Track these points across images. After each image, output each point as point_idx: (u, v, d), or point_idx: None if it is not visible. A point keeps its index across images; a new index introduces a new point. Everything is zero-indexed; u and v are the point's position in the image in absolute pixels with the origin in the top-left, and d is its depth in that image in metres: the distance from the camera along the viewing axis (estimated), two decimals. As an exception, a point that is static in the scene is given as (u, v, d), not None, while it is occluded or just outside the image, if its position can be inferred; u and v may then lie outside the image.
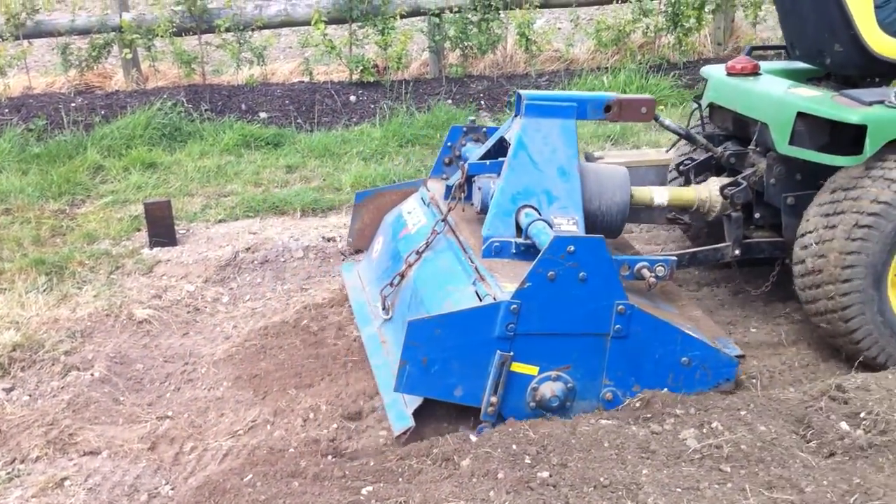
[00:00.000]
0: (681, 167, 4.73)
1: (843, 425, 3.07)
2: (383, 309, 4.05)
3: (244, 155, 7.44)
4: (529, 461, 3.00)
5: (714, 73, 4.73)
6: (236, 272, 5.28)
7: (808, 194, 4.06)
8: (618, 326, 3.32)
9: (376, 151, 7.44)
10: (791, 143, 3.96)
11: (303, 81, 9.15)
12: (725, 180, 4.33)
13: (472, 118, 4.88)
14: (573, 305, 3.27)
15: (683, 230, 5.09)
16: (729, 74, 4.59)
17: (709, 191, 4.33)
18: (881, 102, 3.78)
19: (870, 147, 3.72)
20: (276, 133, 7.84)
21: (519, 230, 3.75)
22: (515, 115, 3.99)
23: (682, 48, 9.55)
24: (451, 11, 9.10)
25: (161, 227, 5.58)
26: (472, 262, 3.72)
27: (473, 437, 3.24)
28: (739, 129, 4.58)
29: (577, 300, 3.27)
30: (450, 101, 8.58)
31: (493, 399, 3.28)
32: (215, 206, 6.35)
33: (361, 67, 8.92)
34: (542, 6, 9.48)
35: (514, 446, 3.09)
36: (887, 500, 2.75)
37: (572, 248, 3.21)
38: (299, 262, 5.38)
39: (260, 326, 4.55)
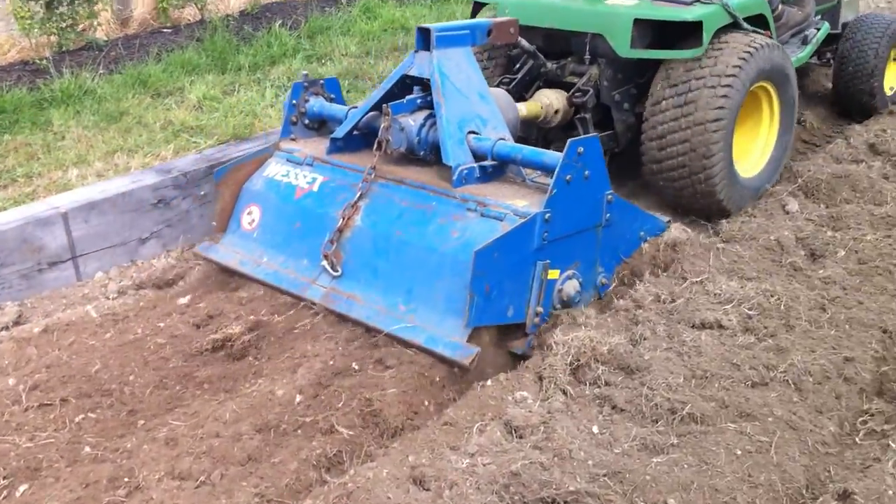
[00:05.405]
0: (500, 86, 4.92)
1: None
2: (332, 268, 3.85)
3: None
4: None
5: None
6: None
7: (627, 89, 4.72)
8: (608, 215, 3.63)
9: None
10: (632, 46, 4.43)
11: None
12: (561, 92, 4.74)
13: (306, 72, 4.80)
14: (581, 204, 3.53)
15: None
16: None
17: (550, 101, 4.71)
18: (699, 0, 4.40)
19: (706, 38, 4.34)
20: None
21: (473, 155, 3.86)
22: (417, 50, 4.00)
23: None
24: None
25: None
26: (445, 194, 3.77)
27: (519, 352, 3.42)
28: (551, 44, 4.94)
29: (584, 198, 3.54)
30: None
31: (539, 309, 3.46)
32: None
33: None
34: None
35: None
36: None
37: (581, 149, 3.45)
38: None
39: None
